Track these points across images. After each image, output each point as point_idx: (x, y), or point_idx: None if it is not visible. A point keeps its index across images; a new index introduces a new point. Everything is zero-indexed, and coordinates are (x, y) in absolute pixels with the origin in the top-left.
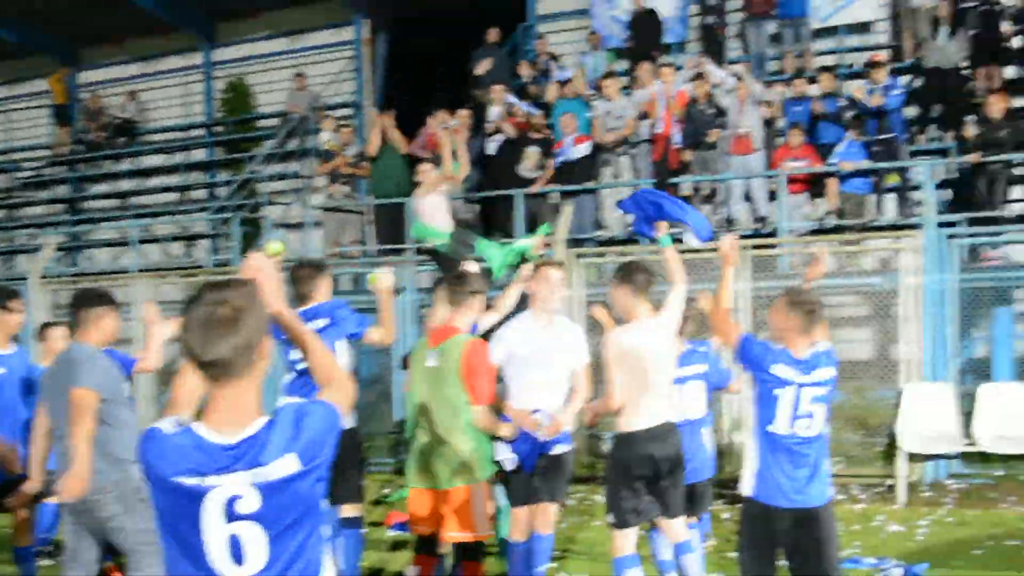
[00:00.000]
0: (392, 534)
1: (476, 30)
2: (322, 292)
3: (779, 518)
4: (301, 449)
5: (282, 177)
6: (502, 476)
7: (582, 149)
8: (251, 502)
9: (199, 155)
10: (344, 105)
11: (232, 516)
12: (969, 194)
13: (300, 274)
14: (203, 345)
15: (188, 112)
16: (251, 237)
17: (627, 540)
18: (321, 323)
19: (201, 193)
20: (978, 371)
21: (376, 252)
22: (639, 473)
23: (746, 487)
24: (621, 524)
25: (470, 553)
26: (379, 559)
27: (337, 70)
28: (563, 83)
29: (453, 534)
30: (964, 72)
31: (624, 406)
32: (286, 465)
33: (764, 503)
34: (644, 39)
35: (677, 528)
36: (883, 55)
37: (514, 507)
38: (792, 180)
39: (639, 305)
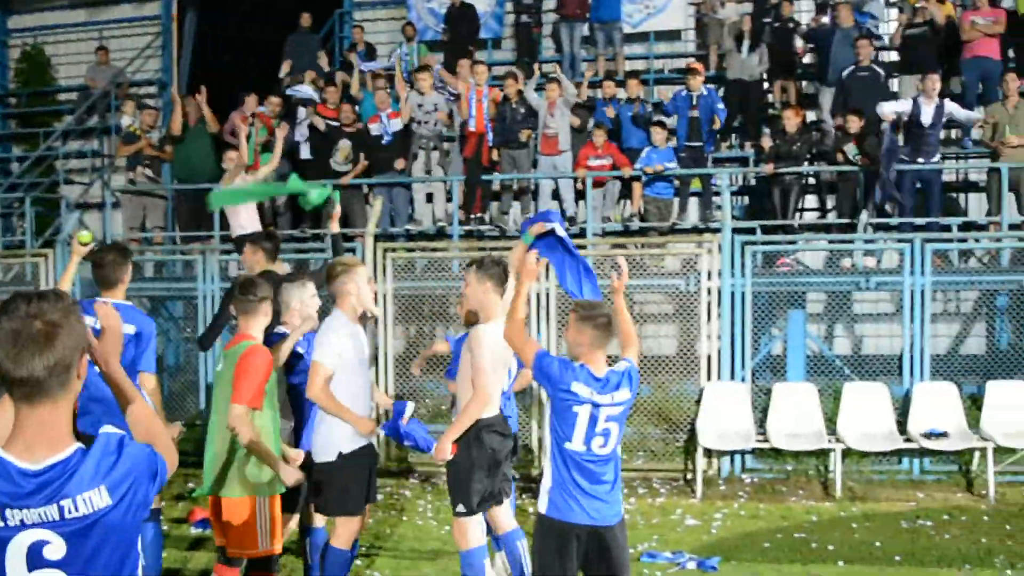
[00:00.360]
0: (195, 531)
1: (290, 12)
2: (127, 278)
3: (575, 535)
4: (113, 483)
5: (81, 155)
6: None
7: (397, 124)
8: (56, 547)
9: None
10: (149, 83)
11: (36, 563)
12: (765, 202)
13: (106, 259)
14: (14, 361)
15: None
16: (45, 218)
17: (480, 528)
18: (130, 329)
19: None
20: (775, 369)
21: (180, 238)
22: (498, 458)
23: (541, 504)
24: (475, 510)
25: (258, 565)
26: (180, 557)
27: (142, 45)
28: (373, 75)
29: (233, 548)
30: (764, 85)
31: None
32: (95, 498)
33: (560, 520)
34: (460, 33)
35: (508, 513)
36: (699, 64)
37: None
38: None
39: (498, 302)
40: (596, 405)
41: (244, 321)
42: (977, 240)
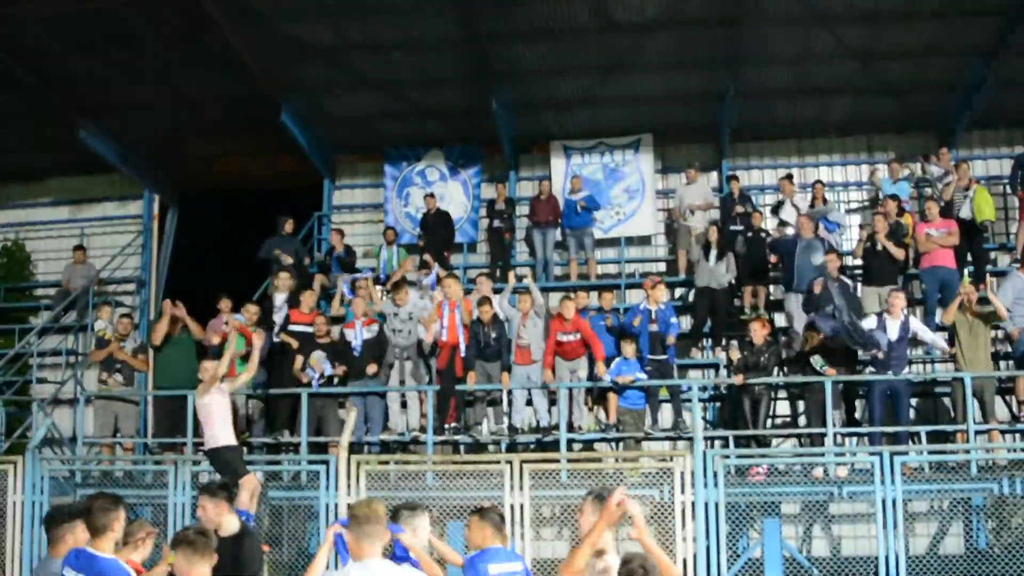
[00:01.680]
0: None
1: (271, 213)
2: (119, 525)
3: None
4: None
5: (56, 353)
6: None
7: (373, 330)
8: None
9: None
10: (128, 280)
11: None
12: (736, 411)
13: (97, 505)
14: None
15: None
16: (15, 418)
17: None
18: None
19: None
20: (756, 573)
21: (155, 444)
22: None
23: None
24: None
25: None
26: None
27: (123, 243)
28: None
29: None
30: (733, 290)
31: None
32: None
33: None
34: (436, 238)
35: None
36: (656, 278)
37: None
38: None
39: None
40: None
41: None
42: (944, 452)
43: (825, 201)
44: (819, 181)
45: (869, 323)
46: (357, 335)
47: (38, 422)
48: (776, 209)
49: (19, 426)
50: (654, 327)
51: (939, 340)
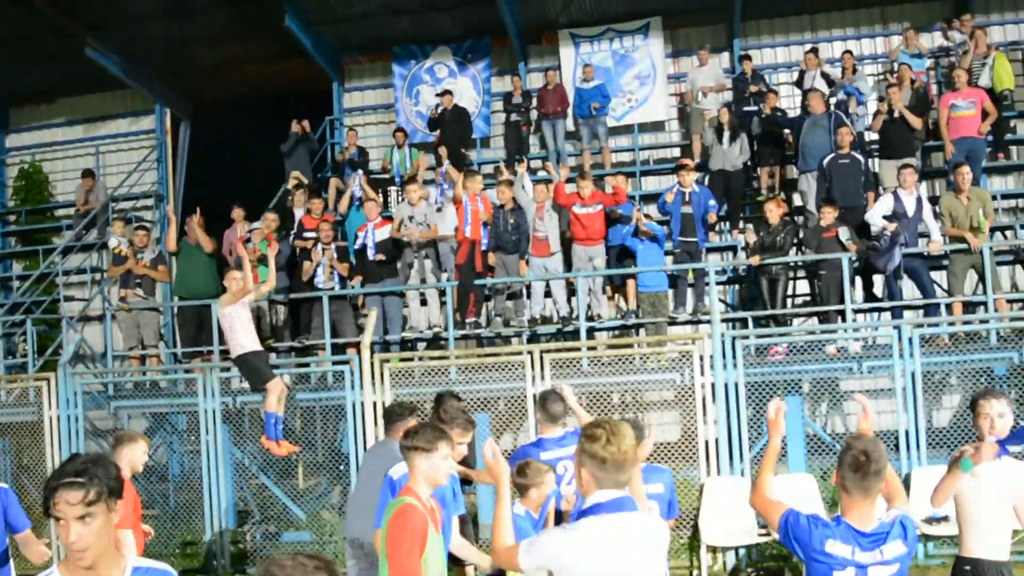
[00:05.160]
0: None
1: (283, 120)
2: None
3: None
4: None
5: (80, 271)
6: None
7: (384, 232)
8: None
9: None
10: (147, 196)
11: None
12: (754, 291)
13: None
14: None
15: None
16: (47, 336)
17: None
18: None
19: None
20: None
21: (181, 355)
22: None
23: None
24: None
25: None
26: None
27: (139, 159)
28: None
29: None
30: (749, 172)
31: None
32: None
33: None
34: (453, 135)
35: None
36: (690, 161)
37: None
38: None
39: None
40: (861, 566)
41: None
42: (965, 322)
43: (855, 71)
44: (848, 51)
45: (885, 206)
46: (371, 237)
47: (68, 339)
48: (801, 83)
49: (51, 344)
50: (687, 209)
51: (937, 233)
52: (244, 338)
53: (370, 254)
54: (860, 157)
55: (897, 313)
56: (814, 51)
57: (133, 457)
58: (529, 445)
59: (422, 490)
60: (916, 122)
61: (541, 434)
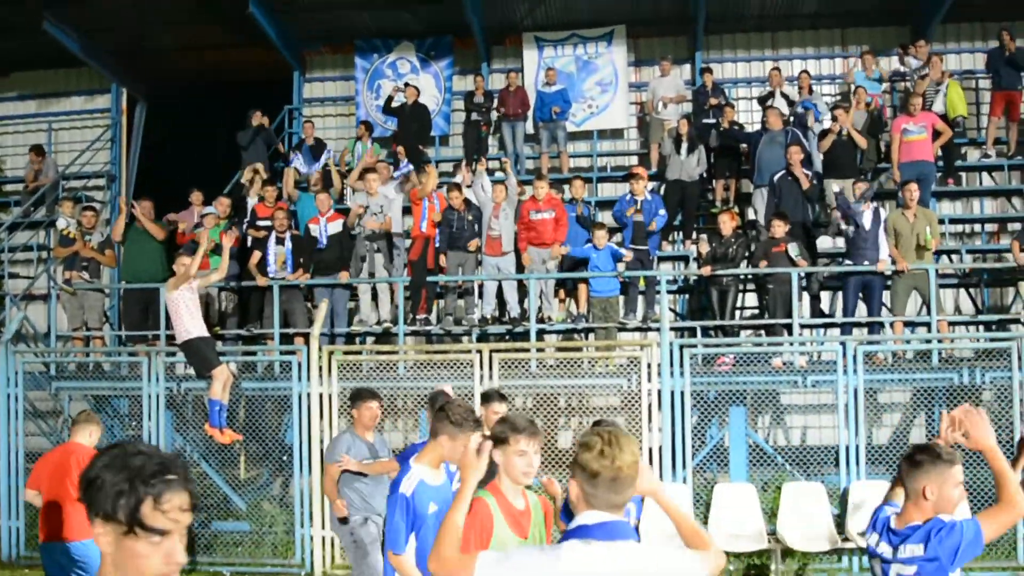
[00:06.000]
0: None
1: (240, 107)
2: None
3: None
4: None
5: (27, 248)
6: None
7: (336, 226)
8: None
9: None
10: (98, 175)
11: None
12: (704, 301)
13: None
14: None
15: None
16: None
17: None
18: None
19: None
20: (720, 461)
21: (125, 338)
22: None
23: None
24: None
25: None
26: None
27: (92, 138)
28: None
29: None
30: (705, 183)
31: None
32: None
33: None
34: (409, 131)
35: None
36: (643, 170)
37: None
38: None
39: None
40: (885, 561)
41: None
42: (907, 342)
43: (811, 91)
44: (805, 71)
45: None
46: (322, 231)
47: (11, 316)
48: (764, 100)
49: None
50: (638, 217)
51: (884, 252)
52: (191, 323)
53: (319, 245)
54: (808, 173)
55: (846, 330)
56: (777, 69)
57: (94, 439)
58: (420, 444)
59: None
60: (862, 142)
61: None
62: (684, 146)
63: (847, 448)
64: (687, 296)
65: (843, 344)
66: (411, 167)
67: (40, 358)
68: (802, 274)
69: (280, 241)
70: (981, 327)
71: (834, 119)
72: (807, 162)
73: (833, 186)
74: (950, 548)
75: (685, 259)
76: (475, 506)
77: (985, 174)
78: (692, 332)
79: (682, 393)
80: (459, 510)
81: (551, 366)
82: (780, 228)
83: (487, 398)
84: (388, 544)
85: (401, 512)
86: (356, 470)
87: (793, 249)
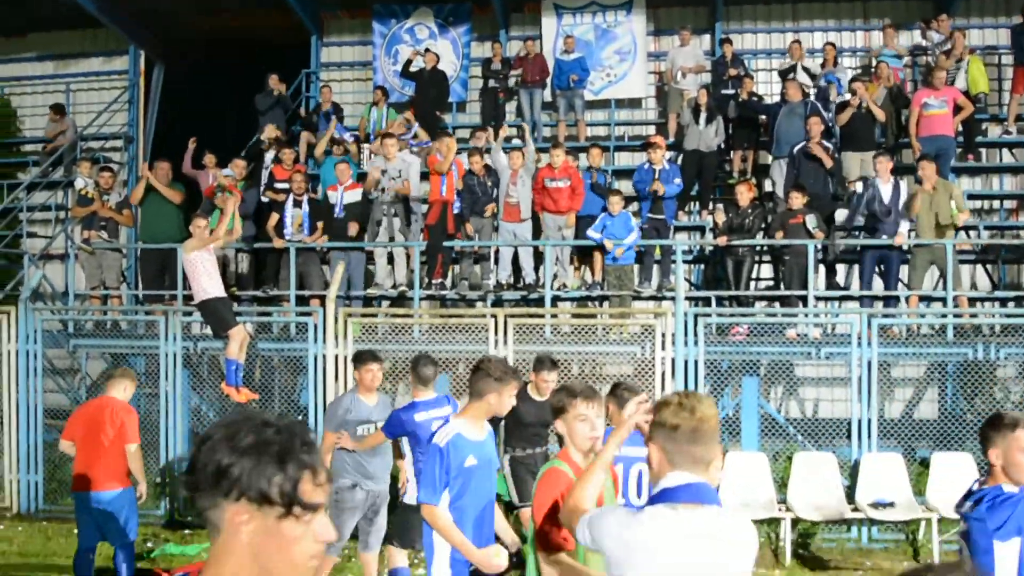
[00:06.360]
0: None
1: (258, 70)
2: None
3: None
4: None
5: (45, 208)
6: None
7: (354, 195)
8: None
9: None
10: (116, 136)
11: None
12: (720, 271)
13: None
14: None
15: None
16: (7, 271)
17: None
18: None
19: None
20: (732, 431)
21: (142, 297)
22: None
23: None
24: None
25: None
26: None
27: (110, 99)
28: (335, 141)
29: None
30: (723, 154)
31: None
32: None
33: None
34: (427, 97)
35: None
36: (661, 138)
37: None
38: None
39: None
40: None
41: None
42: (922, 316)
43: (836, 63)
44: (830, 43)
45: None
46: (339, 199)
47: (30, 275)
48: (786, 73)
49: (11, 280)
50: (661, 190)
51: (904, 226)
52: (208, 284)
53: (336, 214)
54: (829, 146)
55: (863, 303)
56: (798, 42)
57: (128, 393)
58: (401, 409)
59: (572, 453)
60: (881, 115)
61: (414, 397)
62: (703, 116)
63: (859, 421)
64: (703, 266)
65: (859, 316)
66: (429, 142)
67: (58, 316)
68: (818, 245)
69: (297, 204)
70: (998, 303)
71: (853, 92)
72: (827, 134)
73: (857, 186)
74: (999, 518)
75: (701, 229)
76: (553, 476)
77: (1006, 151)
78: (707, 302)
79: (696, 362)
80: (601, 465)
81: (565, 333)
82: (798, 200)
83: (539, 364)
84: (422, 496)
85: (435, 462)
86: (351, 447)
87: (811, 221)
